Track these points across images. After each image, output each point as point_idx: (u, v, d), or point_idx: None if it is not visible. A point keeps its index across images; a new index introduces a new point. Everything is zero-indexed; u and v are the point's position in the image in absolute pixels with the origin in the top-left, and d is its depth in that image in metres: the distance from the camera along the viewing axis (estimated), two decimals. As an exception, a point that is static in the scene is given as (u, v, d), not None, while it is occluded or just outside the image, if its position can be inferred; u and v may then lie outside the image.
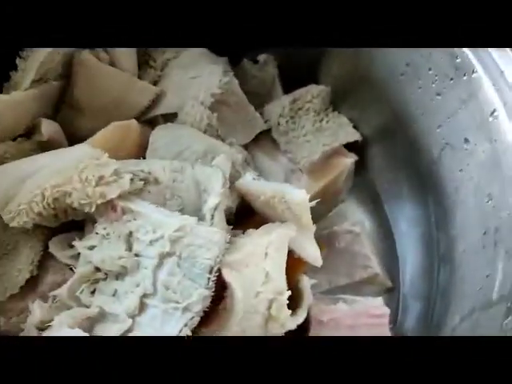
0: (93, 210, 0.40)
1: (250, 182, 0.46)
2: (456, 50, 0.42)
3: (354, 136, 0.57)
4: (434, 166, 0.48)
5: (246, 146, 0.55)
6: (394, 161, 0.56)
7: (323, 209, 0.59)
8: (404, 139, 0.52)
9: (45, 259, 0.44)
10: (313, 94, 0.57)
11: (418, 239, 0.54)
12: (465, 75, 0.42)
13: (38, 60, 0.45)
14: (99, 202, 0.40)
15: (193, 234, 0.39)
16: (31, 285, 0.43)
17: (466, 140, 0.43)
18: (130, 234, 0.40)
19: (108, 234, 0.41)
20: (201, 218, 0.41)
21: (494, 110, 0.39)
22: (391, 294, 0.54)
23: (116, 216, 0.41)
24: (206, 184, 0.44)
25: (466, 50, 0.42)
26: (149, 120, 0.52)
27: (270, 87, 0.60)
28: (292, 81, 0.59)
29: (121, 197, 0.40)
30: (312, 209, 0.56)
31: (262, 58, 0.59)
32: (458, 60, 0.42)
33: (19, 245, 0.43)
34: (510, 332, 0.34)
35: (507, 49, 0.40)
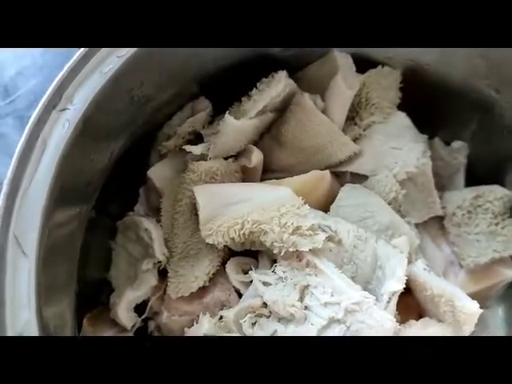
0: (281, 254, 0.43)
1: (420, 271, 0.47)
2: None
3: (525, 250, 0.56)
4: None
5: (415, 226, 0.56)
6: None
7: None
8: None
9: (217, 274, 0.47)
10: (496, 195, 0.56)
11: None
12: None
13: (270, 95, 0.49)
14: (290, 249, 0.42)
15: (367, 312, 0.40)
16: (199, 293, 0.46)
17: None
18: (307, 286, 0.42)
19: (286, 278, 0.43)
20: (373, 293, 0.42)
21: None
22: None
23: (299, 265, 0.43)
24: (383, 262, 0.45)
25: None
26: (337, 172, 0.54)
27: (452, 174, 0.60)
28: (474, 175, 0.58)
29: (310, 250, 0.43)
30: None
31: (456, 144, 0.59)
32: None
33: (201, 254, 0.47)
34: None
35: None
